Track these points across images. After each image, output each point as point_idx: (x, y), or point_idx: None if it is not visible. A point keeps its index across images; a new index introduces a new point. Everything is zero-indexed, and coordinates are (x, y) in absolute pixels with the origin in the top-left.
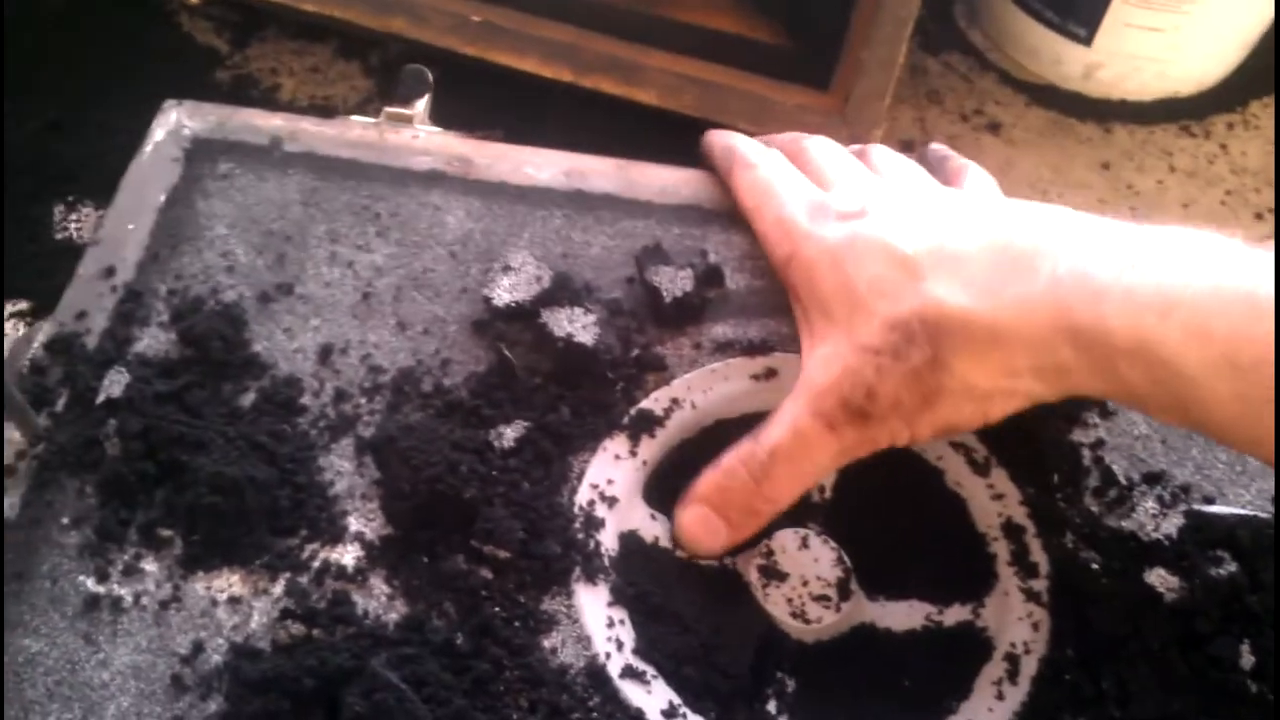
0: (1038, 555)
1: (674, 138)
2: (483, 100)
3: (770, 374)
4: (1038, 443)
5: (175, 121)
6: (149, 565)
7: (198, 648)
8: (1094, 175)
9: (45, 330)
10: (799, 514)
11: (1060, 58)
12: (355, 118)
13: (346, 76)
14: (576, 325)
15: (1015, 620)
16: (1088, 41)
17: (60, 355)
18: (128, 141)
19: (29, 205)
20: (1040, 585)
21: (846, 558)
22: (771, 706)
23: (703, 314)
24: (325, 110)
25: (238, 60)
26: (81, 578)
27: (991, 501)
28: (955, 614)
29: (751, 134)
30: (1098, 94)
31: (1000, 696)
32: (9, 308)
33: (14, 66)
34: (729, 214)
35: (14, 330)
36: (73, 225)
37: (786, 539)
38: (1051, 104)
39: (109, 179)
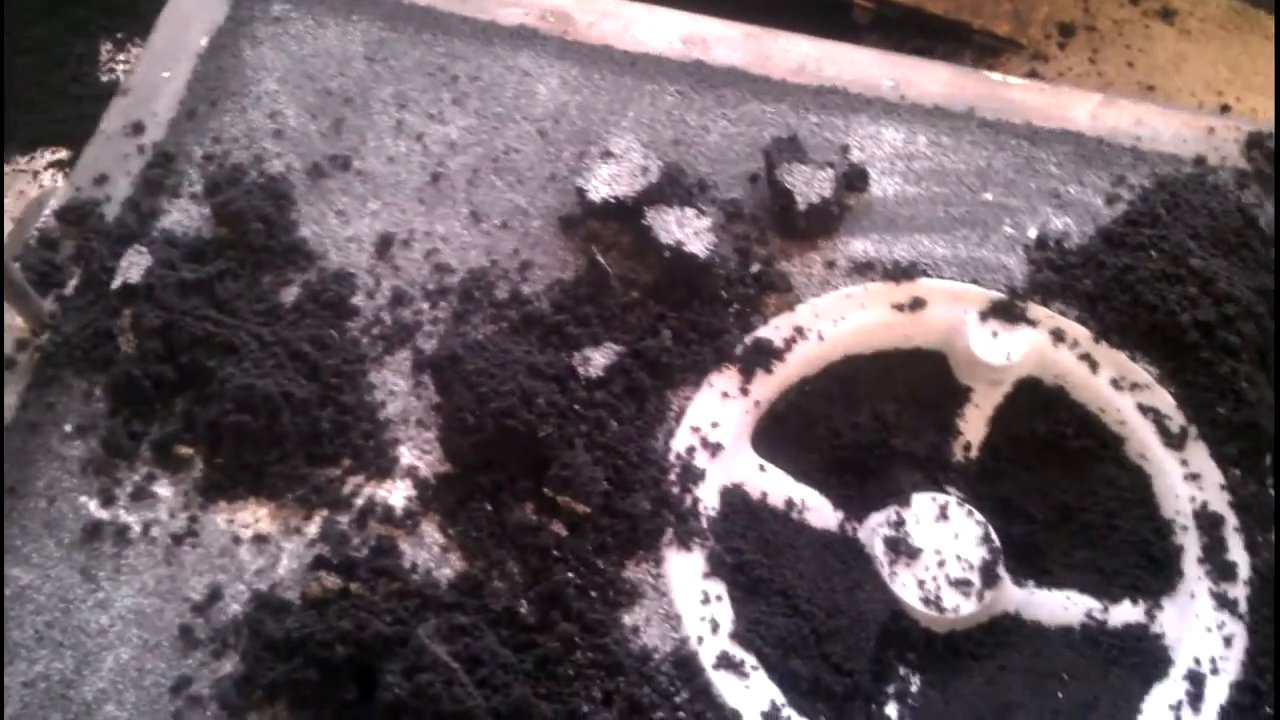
0: (1237, 554)
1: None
2: None
3: (917, 304)
4: (1252, 414)
5: None
6: (162, 490)
7: (214, 594)
8: None
9: (59, 195)
10: (936, 473)
11: None
12: None
13: None
14: (687, 230)
15: (1202, 631)
16: None
17: (74, 226)
18: None
19: (74, 40)
20: (1238, 591)
21: (994, 535)
22: (892, 711)
23: (840, 225)
24: None
25: None
26: (83, 499)
27: (1184, 483)
28: (1124, 614)
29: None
30: None
31: None
32: (47, 156)
33: None
34: (882, 101)
35: (52, 182)
36: (120, 65)
37: (922, 506)
38: None
39: None
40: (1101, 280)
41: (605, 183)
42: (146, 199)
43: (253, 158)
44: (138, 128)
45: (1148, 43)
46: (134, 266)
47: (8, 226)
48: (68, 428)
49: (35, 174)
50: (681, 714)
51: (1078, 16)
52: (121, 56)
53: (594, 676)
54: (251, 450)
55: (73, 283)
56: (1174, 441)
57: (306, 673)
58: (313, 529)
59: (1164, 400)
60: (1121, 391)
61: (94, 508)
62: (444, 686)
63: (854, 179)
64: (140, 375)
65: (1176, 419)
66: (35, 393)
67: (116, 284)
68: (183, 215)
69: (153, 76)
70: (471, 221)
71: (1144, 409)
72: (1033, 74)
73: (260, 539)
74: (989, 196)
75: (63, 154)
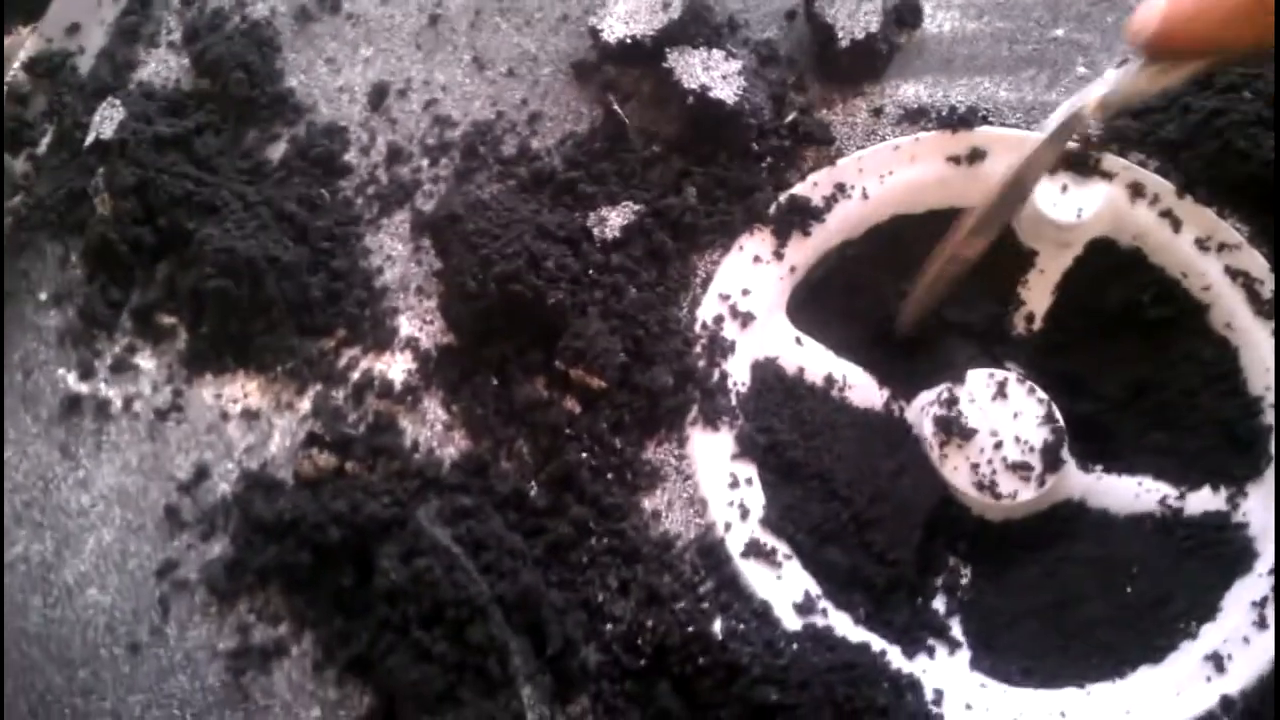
0: None
1: None
2: None
3: (976, 157)
4: None
5: None
6: (145, 361)
7: (201, 472)
8: None
9: (28, 46)
10: (994, 346)
11: None
12: None
13: None
14: (714, 74)
15: None
16: None
17: (45, 79)
18: None
19: None
20: None
21: (1058, 414)
22: (939, 604)
23: (889, 67)
24: None
25: None
26: (61, 371)
27: (1277, 356)
28: (1202, 501)
29: None
30: None
31: (1262, 623)
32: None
33: None
34: None
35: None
36: None
37: (978, 383)
38: None
39: None
40: (1186, 126)
41: (622, 21)
42: (122, 49)
43: (235, 1)
44: None
45: None
46: (108, 121)
47: None
48: (43, 296)
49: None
50: (705, 605)
51: None
52: None
53: (609, 564)
54: (236, 319)
55: (45, 140)
56: (1265, 310)
57: (299, 556)
58: (305, 404)
59: (1256, 263)
60: (1207, 253)
61: (72, 380)
62: (444, 571)
63: (905, 12)
64: (117, 239)
65: (1269, 284)
66: (8, 259)
67: (90, 140)
68: (160, 66)
69: None
70: (474, 69)
71: (1233, 272)
72: None
73: (249, 414)
74: (1060, 32)
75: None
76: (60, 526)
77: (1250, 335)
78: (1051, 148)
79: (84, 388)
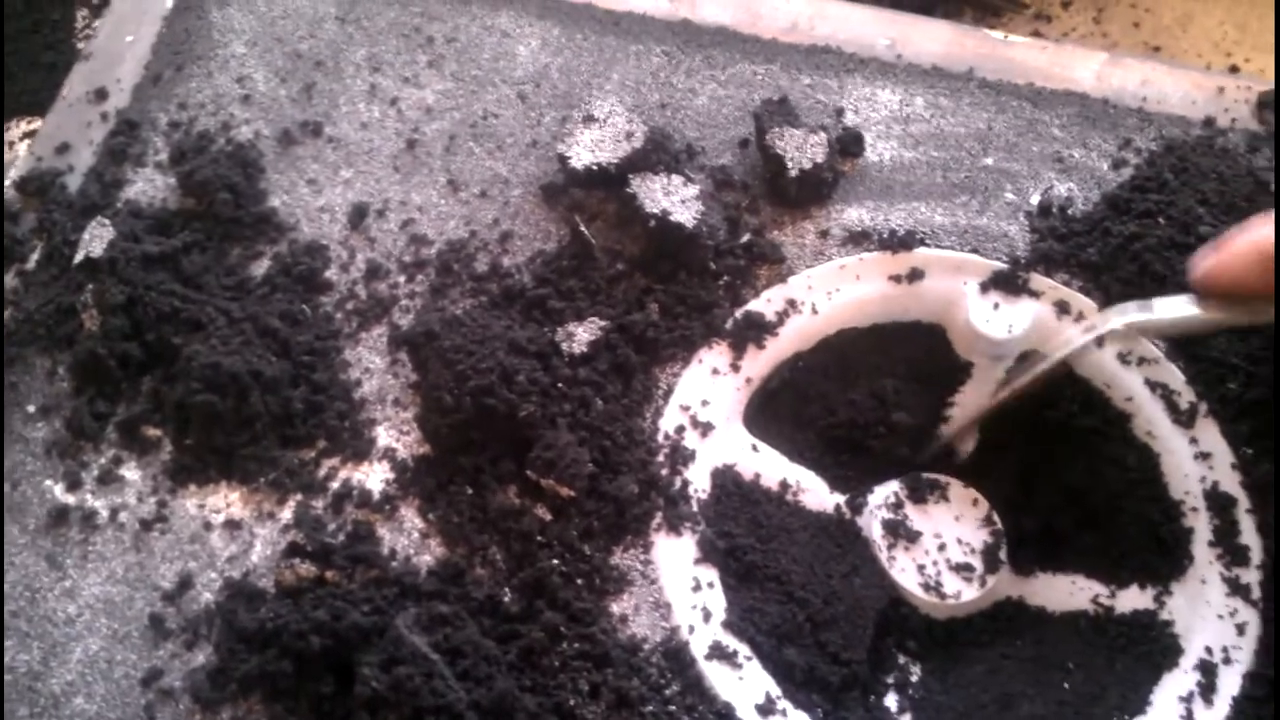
0: (1250, 537)
1: None
2: None
3: (915, 275)
4: (1264, 391)
5: None
6: (130, 473)
7: (185, 581)
8: None
9: (18, 166)
10: (936, 449)
11: None
12: None
13: None
14: (673, 199)
15: (1213, 619)
16: None
17: (35, 198)
18: None
19: (49, 9)
20: (1251, 576)
21: (997, 517)
22: (891, 701)
23: (834, 193)
24: None
25: None
26: (48, 483)
27: (1194, 462)
28: (1131, 599)
29: None
30: None
31: (1189, 717)
32: (21, 126)
33: None
34: (878, 61)
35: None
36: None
37: (921, 487)
38: None
39: None
40: (1107, 249)
41: (588, 149)
42: (110, 168)
43: (220, 124)
44: (100, 94)
45: (1154, 2)
46: (97, 239)
47: None
48: (30, 409)
49: (11, 144)
50: (672, 707)
51: None
52: (98, 23)
53: (581, 668)
54: (221, 431)
55: (34, 257)
56: (1183, 419)
57: (281, 665)
58: (286, 514)
59: (1173, 376)
60: (1129, 367)
61: (59, 492)
62: (424, 679)
63: (848, 143)
64: (105, 354)
65: (1186, 395)
66: None
67: (79, 258)
68: (148, 185)
69: (116, 41)
70: (449, 190)
71: (1152, 385)
72: (1035, 34)
73: (232, 524)
74: (990, 161)
75: (38, 124)
76: (47, 636)
77: (1170, 443)
78: (1081, 353)
79: (71, 499)
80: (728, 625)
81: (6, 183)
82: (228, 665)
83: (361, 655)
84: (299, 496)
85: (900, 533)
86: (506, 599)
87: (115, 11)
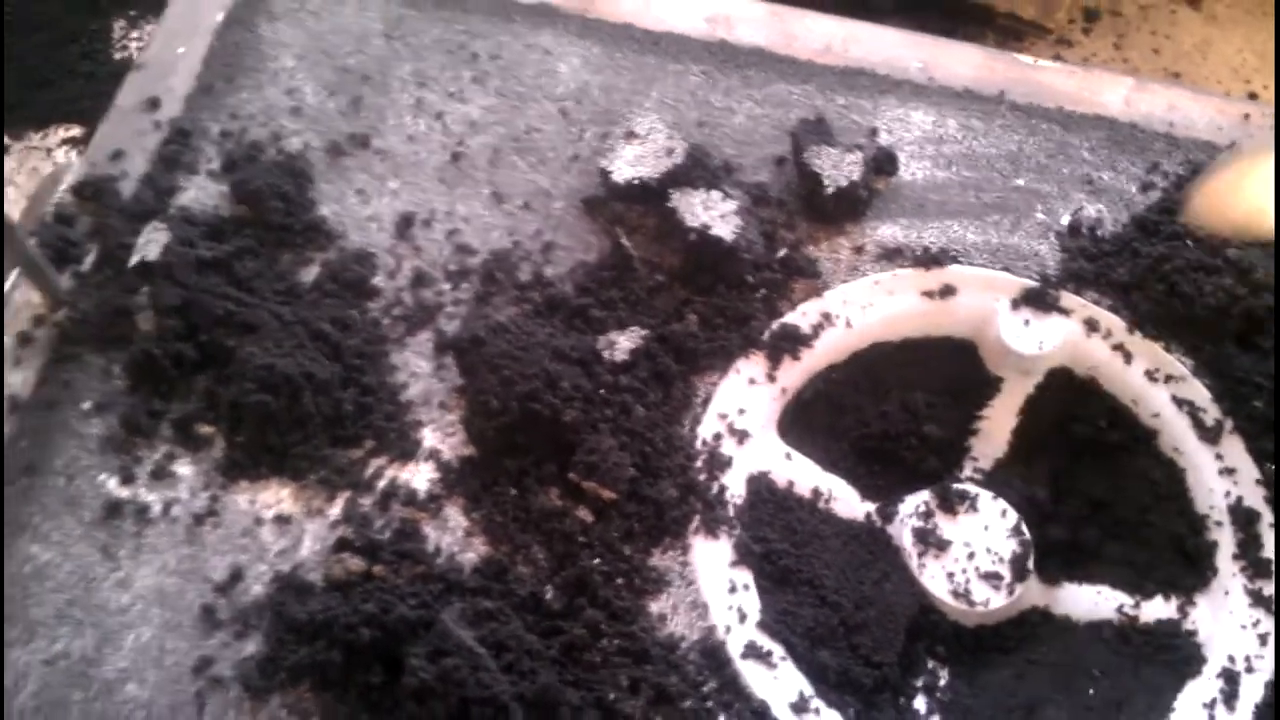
0: (1273, 550)
1: None
2: None
3: (947, 292)
4: None
5: None
6: (183, 469)
7: (236, 574)
8: None
9: (75, 171)
10: (965, 464)
11: None
12: None
13: None
14: (712, 213)
15: (1236, 629)
16: None
17: (90, 202)
18: None
19: (87, 19)
20: (1273, 588)
21: (1025, 528)
22: (920, 703)
23: (868, 210)
24: None
25: None
26: (103, 477)
27: (1219, 477)
28: (1156, 610)
29: None
30: None
31: None
32: (60, 133)
33: None
34: (911, 84)
35: (65, 159)
36: (134, 44)
37: (951, 498)
38: None
39: None
40: (1136, 269)
41: (629, 164)
42: (163, 175)
43: (270, 135)
44: (153, 103)
45: (1173, 28)
46: (152, 243)
47: (20, 204)
48: (86, 405)
49: (48, 151)
50: (709, 703)
51: (1103, 1)
52: (134, 34)
53: (621, 664)
54: (273, 430)
55: (90, 259)
56: (1209, 435)
57: (330, 655)
58: (335, 511)
59: (1199, 393)
60: (1156, 383)
61: (113, 486)
62: (470, 671)
63: (882, 162)
64: (160, 354)
65: (1212, 412)
66: (53, 369)
67: (134, 261)
68: (200, 192)
69: (168, 52)
70: (493, 202)
71: (1178, 401)
72: (1057, 59)
73: (282, 520)
74: (1021, 182)
75: (75, 131)
76: (101, 624)
77: (1195, 458)
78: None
79: (125, 493)
80: (763, 626)
81: (63, 187)
82: (277, 655)
83: (409, 647)
84: (348, 494)
85: (930, 541)
86: (549, 596)
87: (167, 24)
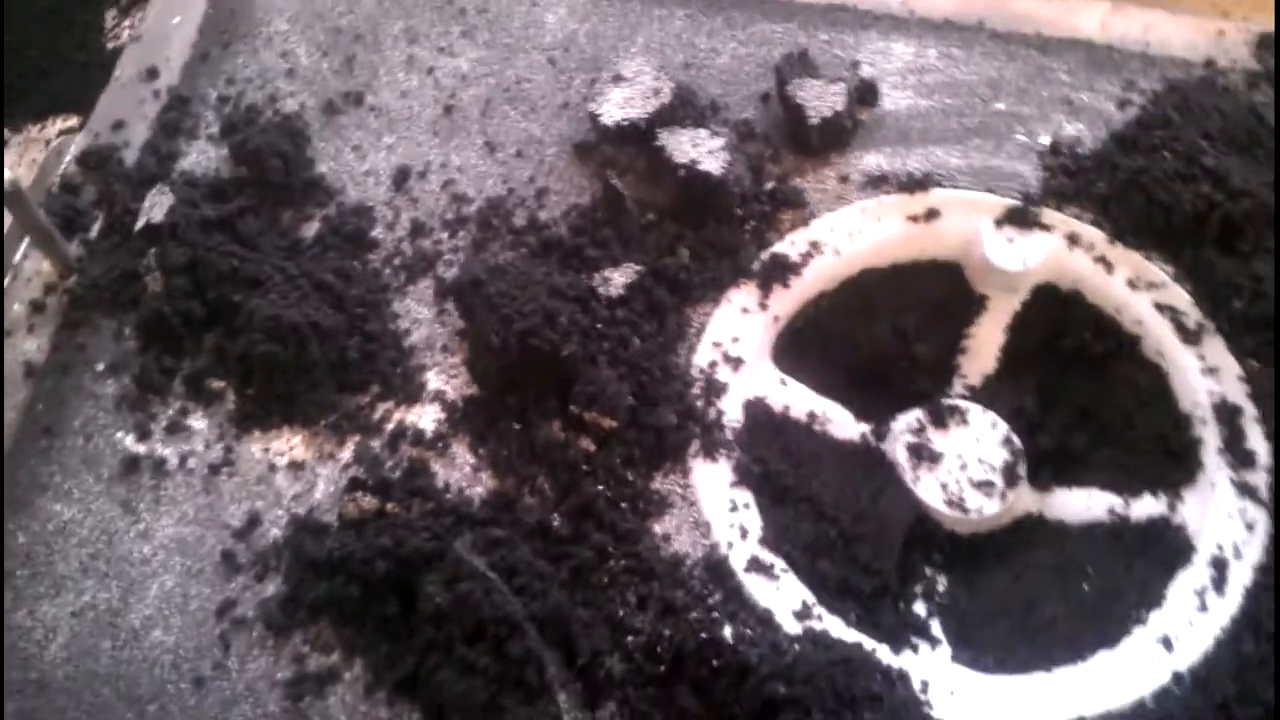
0: (1256, 442)
1: None
2: None
3: (932, 215)
4: (1267, 306)
5: None
6: (197, 422)
7: (253, 520)
8: None
9: (78, 142)
10: (955, 380)
11: None
12: None
13: None
14: (700, 150)
15: (1224, 518)
16: None
17: (95, 171)
18: None
19: (78, 9)
20: (1258, 479)
21: (1015, 437)
22: (919, 608)
23: (852, 140)
24: None
25: None
26: (119, 434)
27: (1202, 376)
28: (1146, 507)
29: None
30: None
31: (1203, 608)
32: (58, 124)
33: None
34: (891, 17)
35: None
36: (126, 31)
37: (943, 413)
38: None
39: None
40: (1115, 182)
41: (618, 106)
42: (165, 142)
43: (267, 97)
44: (152, 73)
45: None
46: (157, 207)
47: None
48: (99, 367)
49: (47, 142)
50: (715, 614)
51: None
52: (126, 23)
53: (628, 583)
54: (282, 379)
55: (96, 226)
56: (1191, 337)
57: (348, 589)
58: (346, 454)
59: (1180, 297)
60: (1138, 291)
61: (130, 442)
62: (484, 594)
63: (865, 94)
64: (169, 312)
65: (1193, 315)
66: (65, 334)
67: (140, 224)
68: (201, 156)
69: (164, 23)
70: (486, 151)
71: (1160, 307)
72: None
73: (295, 465)
74: (1001, 106)
75: (73, 121)
76: (125, 575)
77: (1178, 361)
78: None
79: (141, 448)
80: (764, 541)
81: (68, 158)
82: (297, 593)
83: (424, 576)
84: (357, 437)
85: (924, 454)
86: (556, 523)
87: None
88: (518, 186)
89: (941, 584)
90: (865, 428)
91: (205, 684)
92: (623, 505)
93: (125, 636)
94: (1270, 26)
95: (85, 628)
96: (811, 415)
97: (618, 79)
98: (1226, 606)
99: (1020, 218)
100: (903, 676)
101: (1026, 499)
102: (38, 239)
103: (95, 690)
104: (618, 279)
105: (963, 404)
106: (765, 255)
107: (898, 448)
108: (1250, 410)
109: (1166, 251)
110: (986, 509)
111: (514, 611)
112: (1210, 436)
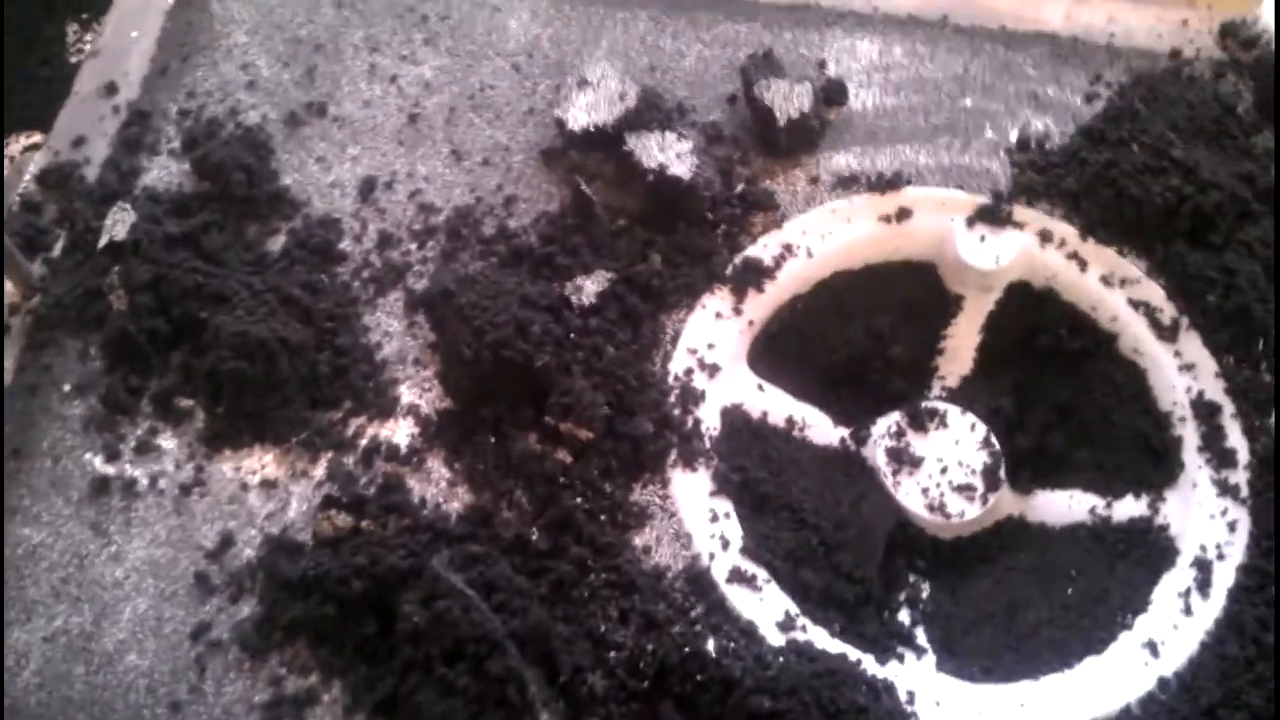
0: (1236, 440)
1: None
2: None
3: (904, 215)
4: (1242, 299)
5: None
6: (166, 442)
7: (226, 540)
8: None
9: (37, 160)
10: (933, 382)
11: None
12: None
13: None
14: (669, 154)
15: (1206, 519)
16: None
17: (55, 190)
18: None
19: (40, 25)
20: (1239, 477)
21: (995, 440)
22: (904, 616)
23: (821, 140)
24: None
25: None
26: (88, 456)
27: (1179, 374)
28: (1127, 508)
29: None
30: None
31: (1188, 611)
32: (22, 140)
33: None
34: (855, 14)
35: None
36: (89, 46)
37: (921, 416)
38: None
39: None
40: (1084, 177)
41: (584, 111)
42: (126, 158)
43: (228, 110)
44: (111, 88)
45: None
46: (119, 224)
47: None
48: (66, 387)
49: (11, 159)
50: (698, 627)
51: None
52: (88, 37)
53: (609, 597)
54: (252, 396)
55: (59, 245)
56: (1167, 334)
57: (325, 609)
58: (319, 471)
59: (1154, 293)
60: (1112, 288)
61: (99, 464)
62: (462, 612)
63: (832, 93)
64: (135, 330)
65: (1168, 311)
66: (30, 355)
67: (103, 242)
68: (163, 172)
69: (122, 37)
70: (453, 160)
71: (1135, 303)
72: None
73: (268, 484)
74: (968, 102)
75: (37, 138)
76: (97, 599)
77: (1156, 358)
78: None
79: (110, 469)
80: (745, 551)
81: (27, 177)
82: (273, 614)
83: (401, 594)
84: (330, 454)
85: (904, 459)
86: (534, 538)
87: (120, 8)
88: (485, 195)
89: (925, 590)
90: (844, 432)
91: (181, 708)
92: (602, 518)
93: (99, 661)
94: (1234, 13)
95: (58, 653)
96: (790, 421)
97: (583, 84)
98: (1210, 609)
99: (991, 215)
100: (888, 687)
101: (1007, 502)
102: None
103: (69, 716)
104: (590, 287)
105: (941, 406)
106: (738, 259)
107: (878, 453)
108: (1229, 407)
109: (1138, 246)
110: (968, 513)
111: (494, 629)
112: (1190, 435)
